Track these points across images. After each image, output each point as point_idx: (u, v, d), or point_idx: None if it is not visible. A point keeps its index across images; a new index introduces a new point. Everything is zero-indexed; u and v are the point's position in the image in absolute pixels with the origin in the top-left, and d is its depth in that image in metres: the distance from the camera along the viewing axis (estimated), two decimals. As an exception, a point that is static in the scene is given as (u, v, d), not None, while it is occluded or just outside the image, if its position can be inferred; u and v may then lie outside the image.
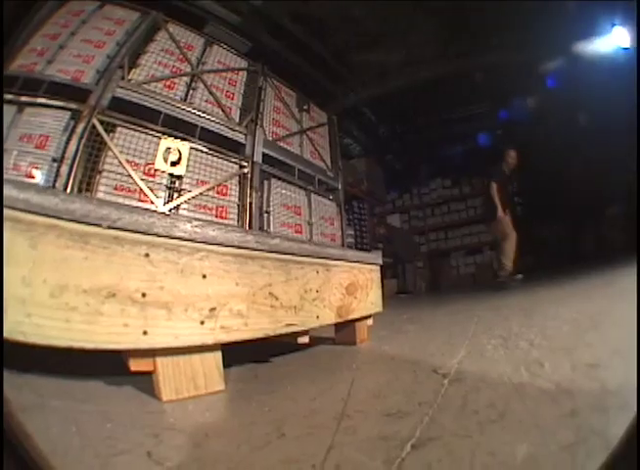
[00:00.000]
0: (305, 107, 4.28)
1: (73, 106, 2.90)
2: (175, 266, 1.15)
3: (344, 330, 2.16)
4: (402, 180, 9.01)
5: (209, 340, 1.19)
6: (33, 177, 2.80)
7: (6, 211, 0.94)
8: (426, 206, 8.88)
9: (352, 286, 2.00)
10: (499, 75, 5.50)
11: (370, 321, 2.27)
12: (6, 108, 2.82)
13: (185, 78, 3.32)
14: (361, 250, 6.38)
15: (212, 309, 1.21)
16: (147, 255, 1.09)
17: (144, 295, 1.07)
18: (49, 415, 1.00)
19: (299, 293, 1.58)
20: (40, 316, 0.94)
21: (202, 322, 1.18)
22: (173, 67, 3.30)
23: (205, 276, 1.22)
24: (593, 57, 4.66)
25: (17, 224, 0.94)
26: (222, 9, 4.26)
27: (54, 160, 2.82)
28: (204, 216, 3.15)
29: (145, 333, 1.06)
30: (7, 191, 0.95)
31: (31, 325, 0.93)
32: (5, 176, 2.71)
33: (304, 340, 1.63)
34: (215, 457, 0.82)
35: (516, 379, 1.11)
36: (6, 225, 0.94)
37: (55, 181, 2.79)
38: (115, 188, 2.88)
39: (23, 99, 2.87)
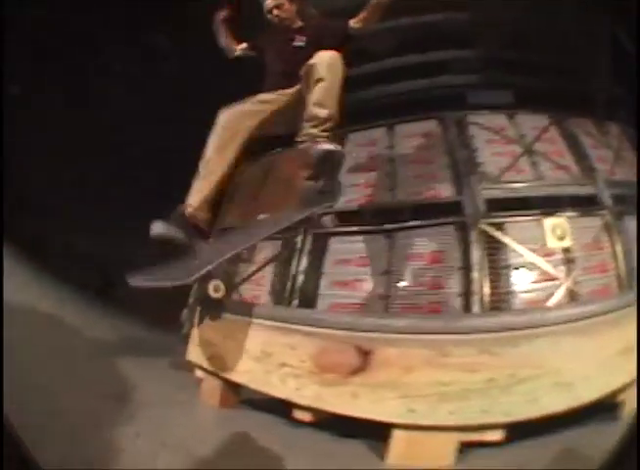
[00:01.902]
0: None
1: (453, 220, 3.17)
2: None
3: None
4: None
5: None
6: (441, 288, 3.07)
7: None
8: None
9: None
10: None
11: None
12: (372, 237, 3.21)
13: (524, 157, 3.40)
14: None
15: None
16: None
17: None
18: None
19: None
20: None
21: None
22: (505, 153, 3.43)
23: None
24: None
25: None
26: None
27: (458, 269, 3.05)
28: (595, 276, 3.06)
29: None
30: None
31: None
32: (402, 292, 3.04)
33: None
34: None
35: None
36: None
37: (469, 286, 2.99)
38: (526, 276, 2.98)
39: (387, 227, 3.22)
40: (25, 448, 0.84)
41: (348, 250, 3.14)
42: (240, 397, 2.26)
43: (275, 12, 2.40)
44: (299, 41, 2.38)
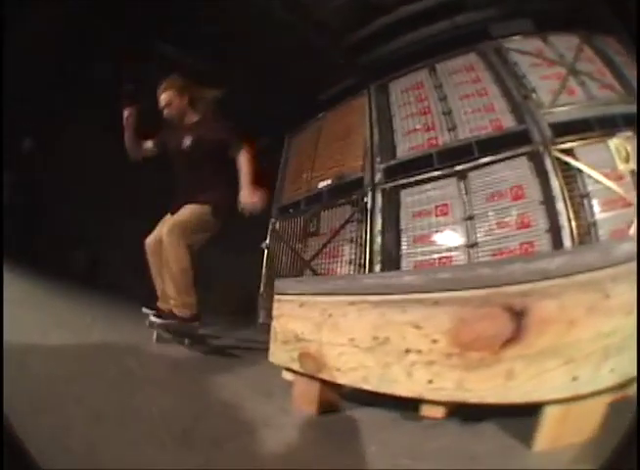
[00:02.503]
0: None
1: (524, 150, 2.95)
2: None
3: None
4: None
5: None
6: (528, 226, 2.87)
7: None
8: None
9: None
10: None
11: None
12: (445, 182, 2.95)
13: (570, 78, 3.24)
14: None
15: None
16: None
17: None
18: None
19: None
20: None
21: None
22: (552, 75, 3.26)
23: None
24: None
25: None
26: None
27: (541, 202, 2.85)
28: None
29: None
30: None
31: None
32: (489, 237, 2.81)
33: None
34: None
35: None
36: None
37: (556, 220, 2.80)
38: (605, 204, 2.82)
39: (459, 168, 2.98)
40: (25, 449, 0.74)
41: (423, 200, 2.81)
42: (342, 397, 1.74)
43: (166, 110, 2.35)
44: (186, 142, 2.30)
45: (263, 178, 2.34)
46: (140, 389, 1.93)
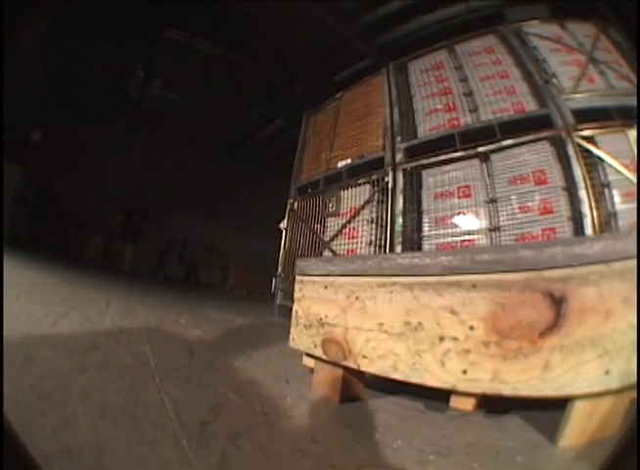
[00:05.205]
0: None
1: (546, 134, 2.88)
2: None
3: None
4: None
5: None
6: (551, 212, 2.80)
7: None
8: None
9: None
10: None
11: None
12: (467, 163, 2.86)
13: (590, 66, 3.20)
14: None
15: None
16: None
17: None
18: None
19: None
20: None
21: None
22: (572, 62, 3.21)
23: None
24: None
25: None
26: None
27: (563, 189, 2.79)
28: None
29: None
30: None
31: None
32: (512, 221, 2.73)
33: None
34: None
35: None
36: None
37: (578, 208, 2.74)
38: (625, 195, 2.77)
39: (481, 149, 2.88)
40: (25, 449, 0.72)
41: (445, 181, 2.71)
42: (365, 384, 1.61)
43: None
44: None
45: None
46: (152, 378, 1.74)
